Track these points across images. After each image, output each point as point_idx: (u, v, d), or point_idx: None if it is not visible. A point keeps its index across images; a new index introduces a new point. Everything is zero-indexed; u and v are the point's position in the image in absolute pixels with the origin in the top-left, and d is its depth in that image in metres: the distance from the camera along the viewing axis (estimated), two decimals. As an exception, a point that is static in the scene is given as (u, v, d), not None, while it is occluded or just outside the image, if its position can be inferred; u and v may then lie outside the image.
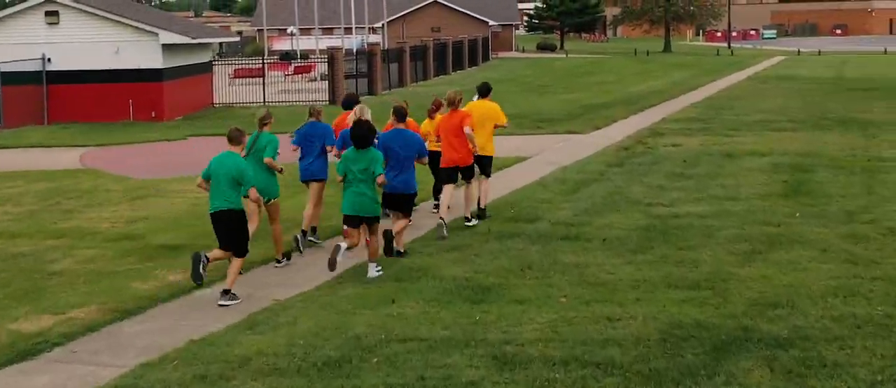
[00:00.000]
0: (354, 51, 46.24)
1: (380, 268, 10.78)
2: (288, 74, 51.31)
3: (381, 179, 10.48)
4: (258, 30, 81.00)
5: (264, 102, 38.17)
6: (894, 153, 19.97)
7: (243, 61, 44.73)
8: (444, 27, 77.01)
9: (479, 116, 13.54)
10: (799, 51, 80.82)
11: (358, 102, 12.72)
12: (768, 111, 29.40)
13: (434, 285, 10.31)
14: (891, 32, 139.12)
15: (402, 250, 11.62)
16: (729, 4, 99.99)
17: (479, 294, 9.98)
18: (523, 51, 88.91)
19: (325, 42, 69.30)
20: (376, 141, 11.03)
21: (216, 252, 10.17)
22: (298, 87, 44.32)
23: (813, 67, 56.89)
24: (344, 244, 10.56)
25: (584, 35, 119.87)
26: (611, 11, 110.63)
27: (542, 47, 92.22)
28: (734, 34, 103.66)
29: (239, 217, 10.06)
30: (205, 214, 15.18)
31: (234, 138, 10.20)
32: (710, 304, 9.45)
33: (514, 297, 9.86)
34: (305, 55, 62.64)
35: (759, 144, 21.94)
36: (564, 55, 79.71)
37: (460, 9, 79.18)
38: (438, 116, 13.70)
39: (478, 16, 79.26)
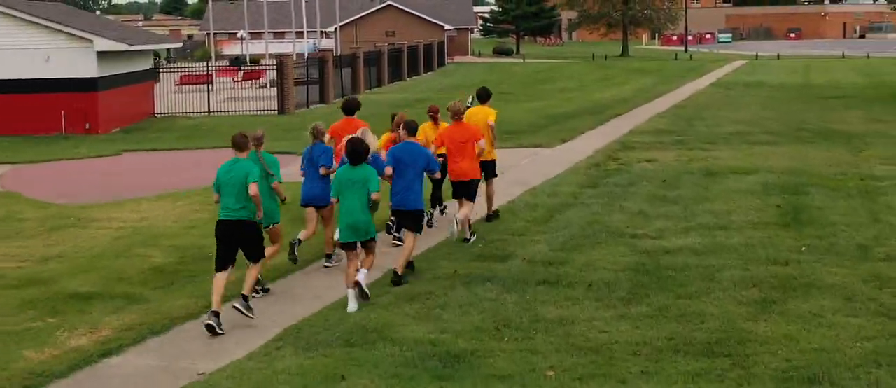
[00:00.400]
0: (306, 56, 44.32)
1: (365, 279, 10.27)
2: (237, 81, 49.23)
3: (375, 195, 9.91)
4: (207, 34, 78.62)
5: (209, 111, 36.11)
6: (887, 171, 18.48)
7: (189, 67, 42.57)
8: (399, 31, 75.19)
9: (480, 122, 13.37)
10: (757, 55, 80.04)
11: (359, 107, 12.80)
12: (742, 122, 27.93)
13: (392, 354, 8.50)
14: (844, 36, 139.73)
15: (410, 271, 11.16)
16: (685, 8, 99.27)
17: (448, 366, 8.19)
18: (479, 55, 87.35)
19: (277, 47, 67.26)
20: (370, 158, 10.52)
21: (219, 285, 9.58)
22: (248, 94, 42.28)
23: (776, 72, 55.82)
24: (363, 274, 10.13)
25: (538, 39, 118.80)
26: (567, 15, 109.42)
27: (499, 51, 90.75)
28: (690, 38, 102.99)
29: (250, 227, 9.61)
30: (127, 250, 13.51)
31: (240, 145, 9.68)
32: (731, 378, 7.75)
33: (490, 370, 8.08)
34: (256, 60, 60.55)
35: (740, 159, 20.38)
36: (522, 60, 78.25)
37: (415, 12, 77.36)
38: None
39: (433, 20, 77.52)
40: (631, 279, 10.80)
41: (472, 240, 12.71)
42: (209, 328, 9.20)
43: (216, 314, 9.32)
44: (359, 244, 10.08)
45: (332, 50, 57.56)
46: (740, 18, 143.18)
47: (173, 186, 18.90)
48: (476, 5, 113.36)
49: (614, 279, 10.81)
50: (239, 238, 9.59)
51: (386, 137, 12.76)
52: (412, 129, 11.40)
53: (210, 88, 39.36)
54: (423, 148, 11.39)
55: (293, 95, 35.71)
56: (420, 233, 11.31)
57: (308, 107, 37.84)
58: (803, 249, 12.14)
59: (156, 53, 54.34)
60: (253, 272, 9.76)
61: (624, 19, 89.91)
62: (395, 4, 79.36)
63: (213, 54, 64.34)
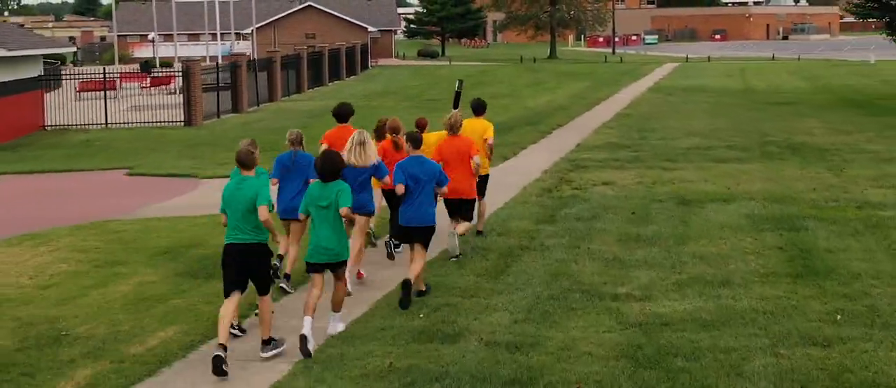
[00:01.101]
0: (219, 59, 40.96)
1: (341, 323, 9.42)
2: (144, 87, 45.52)
3: (344, 211, 9.04)
4: (118, 35, 74.33)
5: (107, 122, 32.52)
6: (884, 197, 16.00)
7: (89, 73, 38.70)
8: (320, 33, 71.83)
9: (476, 137, 12.68)
10: (687, 57, 78.49)
11: (353, 113, 12.36)
12: (698, 133, 25.44)
13: None
14: (767, 37, 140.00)
15: (423, 289, 10.50)
16: (613, 9, 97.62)
17: None
18: (404, 58, 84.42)
19: (189, 50, 63.46)
20: (371, 165, 10.51)
21: (228, 308, 8.58)
22: (156, 102, 38.72)
23: (713, 75, 53.90)
24: (312, 295, 9.06)
25: (464, 41, 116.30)
26: (493, 17, 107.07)
27: (424, 54, 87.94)
28: (617, 40, 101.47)
29: (259, 250, 8.75)
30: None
31: (246, 162, 8.75)
32: None
33: None
34: (168, 64, 56.74)
35: (711, 181, 17.78)
36: (448, 62, 75.50)
37: (337, 14, 74.05)
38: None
39: (356, 21, 74.29)
40: (631, 378, 7.93)
41: (460, 257, 12.02)
42: (216, 361, 8.13)
43: (223, 348, 8.24)
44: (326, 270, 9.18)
45: (246, 54, 54.10)
46: (666, 20, 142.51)
47: (39, 223, 15.56)
48: (400, 6, 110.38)
49: (609, 378, 7.93)
50: (247, 265, 8.69)
51: (379, 145, 11.69)
52: (417, 141, 10.60)
53: (112, 95, 35.79)
54: (432, 162, 10.79)
55: (201, 105, 32.33)
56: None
57: (219, 116, 34.49)
58: (838, 317, 9.43)
59: (55, 58, 50.32)
60: (265, 309, 8.76)
61: (552, 21, 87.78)
62: (315, 5, 75.97)
63: (116, 57, 60.16)
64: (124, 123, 32.56)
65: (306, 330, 8.65)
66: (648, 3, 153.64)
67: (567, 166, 20.03)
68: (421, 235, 10.43)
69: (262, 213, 8.52)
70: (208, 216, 15.23)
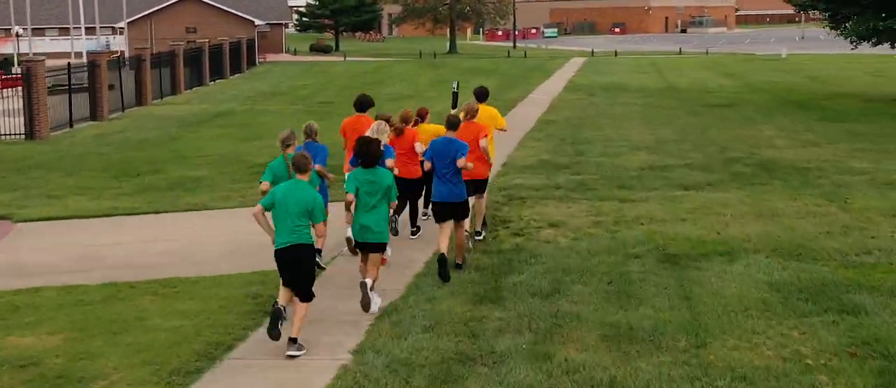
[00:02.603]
0: (84, 57, 35.55)
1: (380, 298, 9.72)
2: (-7, 89, 39.52)
3: (395, 204, 9.88)
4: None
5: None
6: (924, 242, 12.08)
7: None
8: (203, 27, 66.14)
9: (486, 124, 12.69)
10: (593, 51, 75.23)
11: (372, 104, 12.75)
12: (643, 146, 21.37)
13: None
14: (666, 30, 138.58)
15: (460, 263, 11.04)
16: (513, 3, 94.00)
17: None
18: (295, 53, 79.16)
19: (59, 45, 57.29)
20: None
21: (284, 295, 8.81)
22: (9, 107, 33.06)
23: (626, 72, 50.35)
24: (369, 280, 9.56)
25: (358, 34, 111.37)
26: (390, 9, 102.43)
27: (317, 49, 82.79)
28: (516, 33, 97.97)
29: (311, 253, 8.72)
30: None
31: (302, 167, 8.71)
32: None
33: None
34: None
35: (689, 219, 13.66)
36: (342, 58, 70.63)
37: (221, 6, 68.38)
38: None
39: (242, 14, 68.74)
40: None
41: (483, 234, 12.55)
42: (274, 313, 8.56)
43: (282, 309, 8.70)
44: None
45: (120, 51, 48.39)
46: (564, 13, 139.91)
47: None
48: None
49: None
50: (298, 266, 8.61)
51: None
52: (453, 124, 11.18)
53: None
54: (461, 141, 11.09)
55: (46, 114, 26.97)
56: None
57: (72, 126, 29.14)
58: None
59: None
60: (302, 312, 8.60)
61: (451, 14, 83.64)
62: (197, -4, 70.09)
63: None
64: (-47, 135, 27.00)
65: (368, 281, 9.42)
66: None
67: (498, 198, 15.67)
68: (455, 210, 10.91)
69: (320, 230, 8.75)
70: (28, 291, 10.55)
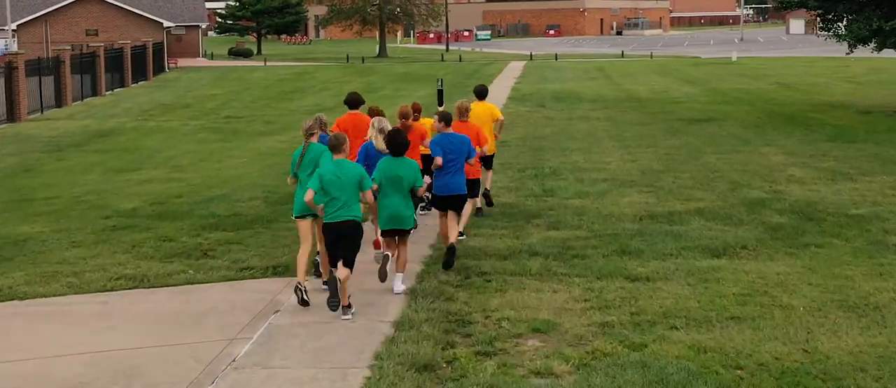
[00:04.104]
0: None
1: (404, 283, 10.05)
2: None
3: (422, 190, 10.29)
4: None
5: None
6: None
7: None
8: (105, 29, 60.02)
9: (484, 120, 13.45)
10: (532, 55, 70.72)
11: (363, 101, 12.80)
12: (628, 180, 16.54)
13: None
14: (601, 32, 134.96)
15: (454, 244, 11.00)
16: (445, 4, 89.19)
17: None
18: (212, 58, 73.39)
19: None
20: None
21: (326, 266, 9.79)
22: None
23: (574, 78, 45.82)
24: (389, 253, 10.04)
25: (283, 37, 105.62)
26: (315, 11, 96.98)
27: (236, 53, 77.10)
28: (449, 35, 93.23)
29: (360, 228, 9.39)
30: None
31: (339, 146, 9.31)
32: None
33: None
34: None
35: (747, 323, 8.89)
36: (263, 63, 65.10)
37: (127, 7, 62.30)
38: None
39: (150, 16, 62.72)
40: None
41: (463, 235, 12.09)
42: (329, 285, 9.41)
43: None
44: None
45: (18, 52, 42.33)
46: (498, 15, 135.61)
47: None
48: (208, 1, 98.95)
49: None
50: (347, 239, 9.27)
51: None
52: (448, 119, 11.38)
53: None
54: (462, 135, 11.41)
55: None
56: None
57: (-90, 152, 23.51)
58: None
59: None
60: (346, 280, 9.23)
61: (381, 15, 78.50)
62: (100, -4, 63.72)
63: None
64: None
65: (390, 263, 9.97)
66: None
67: (448, 276, 10.72)
68: (455, 202, 11.13)
69: (369, 196, 9.39)
70: None
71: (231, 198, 15.72)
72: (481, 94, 14.14)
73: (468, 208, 12.15)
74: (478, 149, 11.86)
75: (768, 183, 16.05)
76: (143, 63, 50.21)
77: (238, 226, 13.54)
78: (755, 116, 26.79)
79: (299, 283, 9.57)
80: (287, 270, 11.09)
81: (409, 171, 9.91)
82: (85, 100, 38.50)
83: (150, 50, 51.80)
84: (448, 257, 10.75)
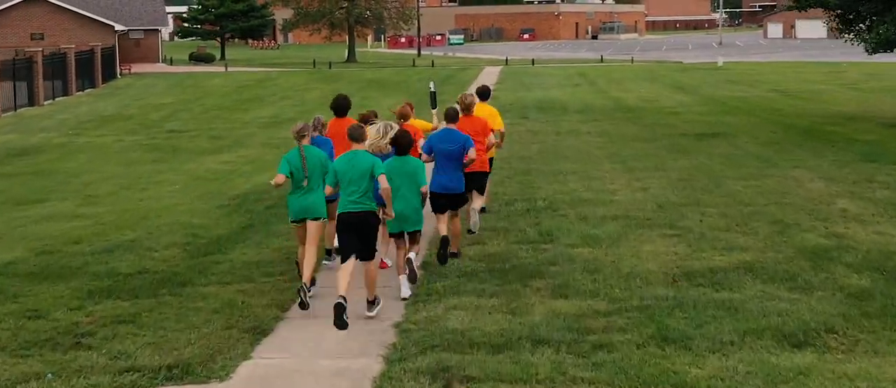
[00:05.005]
0: None
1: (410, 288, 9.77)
2: None
3: (425, 189, 9.91)
4: None
5: None
6: None
7: None
8: (53, 33, 56.05)
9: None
10: (508, 60, 67.54)
11: (350, 106, 11.57)
12: (645, 219, 13.23)
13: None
14: (576, 36, 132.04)
15: (456, 252, 11.01)
16: (417, 6, 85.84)
17: None
18: (172, 63, 69.67)
19: None
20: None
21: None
22: None
23: (554, 84, 42.68)
24: (412, 254, 9.91)
25: (251, 41, 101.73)
26: (282, 14, 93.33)
27: (197, 58, 73.34)
28: (421, 39, 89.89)
29: (376, 219, 9.30)
30: None
31: (358, 136, 9.26)
32: None
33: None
34: None
35: None
36: (224, 69, 61.51)
37: (76, 9, 58.47)
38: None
39: (101, 19, 58.91)
40: None
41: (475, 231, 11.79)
42: (338, 307, 8.66)
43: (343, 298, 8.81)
44: (406, 235, 9.95)
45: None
46: (471, 18, 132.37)
47: None
48: (171, 4, 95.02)
49: None
50: (363, 229, 9.12)
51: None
52: (451, 116, 11.04)
53: None
54: (461, 133, 10.98)
55: None
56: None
57: None
58: None
59: None
60: (373, 273, 9.26)
61: (349, 19, 75.05)
62: (47, -2, 59.75)
63: None
64: None
65: (405, 287, 9.66)
66: (450, 0, 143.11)
67: (407, 366, 7.47)
68: (453, 201, 10.86)
69: (383, 182, 9.05)
70: None
71: (142, 245, 12.31)
72: (484, 94, 13.40)
73: (477, 203, 11.94)
74: (486, 141, 11.69)
75: (820, 222, 12.83)
76: (90, 69, 46.52)
77: (138, 291, 10.13)
78: (768, 130, 23.64)
79: (303, 285, 9.17)
80: (188, 372, 7.74)
81: (418, 169, 9.78)
82: (18, 110, 34.86)
83: (99, 55, 48.08)
84: (441, 248, 10.40)
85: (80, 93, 43.25)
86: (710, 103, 31.49)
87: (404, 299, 9.44)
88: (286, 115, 30.80)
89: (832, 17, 26.22)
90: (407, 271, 9.65)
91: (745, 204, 14.13)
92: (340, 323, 8.59)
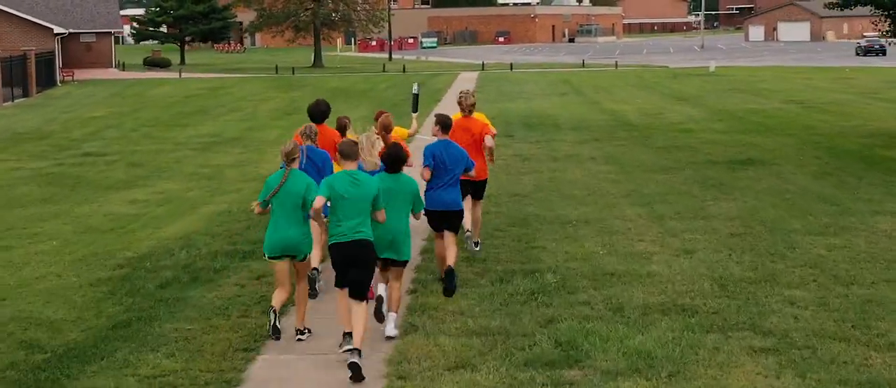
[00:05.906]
0: None
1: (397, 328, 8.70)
2: None
3: (421, 215, 9.03)
4: None
5: None
6: None
7: None
8: (-13, 37, 51.32)
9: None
10: (484, 64, 63.30)
11: (329, 113, 10.93)
12: (701, 309, 8.95)
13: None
14: (553, 39, 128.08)
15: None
16: (388, 8, 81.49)
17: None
18: (124, 68, 64.94)
19: None
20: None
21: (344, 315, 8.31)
22: None
23: (538, 93, 38.46)
24: (393, 315, 8.75)
25: (216, 45, 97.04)
26: (245, 16, 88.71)
27: (152, 63, 68.63)
28: (392, 43, 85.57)
29: (373, 248, 8.25)
30: None
31: (351, 154, 8.28)
32: None
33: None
34: None
35: None
36: (177, 75, 56.86)
37: (14, 11, 53.59)
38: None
39: (39, 21, 54.07)
40: None
41: (480, 246, 11.24)
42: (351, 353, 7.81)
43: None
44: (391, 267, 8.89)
45: None
46: (444, 21, 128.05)
47: None
48: (127, 7, 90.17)
49: None
50: (364, 261, 8.12)
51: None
52: (446, 126, 10.03)
53: None
54: (459, 146, 10.10)
55: None
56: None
57: None
58: None
59: None
60: (364, 315, 8.07)
61: (315, 21, 70.55)
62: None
63: None
64: None
65: (382, 291, 8.82)
66: (423, 3, 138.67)
67: None
68: (451, 219, 10.01)
69: (380, 216, 8.27)
70: None
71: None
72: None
73: (477, 212, 11.37)
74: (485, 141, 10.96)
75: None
76: (22, 76, 41.81)
77: None
78: (811, 156, 19.41)
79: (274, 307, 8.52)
80: None
81: (415, 189, 8.71)
82: (-76, 126, 30.17)
83: (33, 61, 43.37)
84: (448, 282, 9.25)
85: (8, 103, 38.53)
86: (725, 118, 27.27)
87: (390, 338, 8.40)
88: (229, 133, 26.33)
89: (883, 19, 22.14)
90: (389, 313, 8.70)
91: (843, 281, 9.86)
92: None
